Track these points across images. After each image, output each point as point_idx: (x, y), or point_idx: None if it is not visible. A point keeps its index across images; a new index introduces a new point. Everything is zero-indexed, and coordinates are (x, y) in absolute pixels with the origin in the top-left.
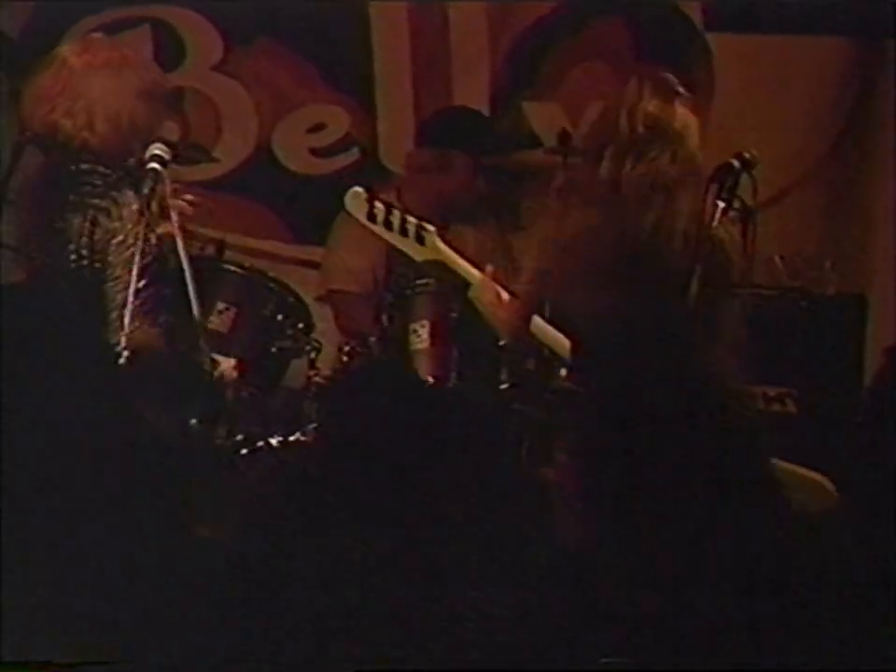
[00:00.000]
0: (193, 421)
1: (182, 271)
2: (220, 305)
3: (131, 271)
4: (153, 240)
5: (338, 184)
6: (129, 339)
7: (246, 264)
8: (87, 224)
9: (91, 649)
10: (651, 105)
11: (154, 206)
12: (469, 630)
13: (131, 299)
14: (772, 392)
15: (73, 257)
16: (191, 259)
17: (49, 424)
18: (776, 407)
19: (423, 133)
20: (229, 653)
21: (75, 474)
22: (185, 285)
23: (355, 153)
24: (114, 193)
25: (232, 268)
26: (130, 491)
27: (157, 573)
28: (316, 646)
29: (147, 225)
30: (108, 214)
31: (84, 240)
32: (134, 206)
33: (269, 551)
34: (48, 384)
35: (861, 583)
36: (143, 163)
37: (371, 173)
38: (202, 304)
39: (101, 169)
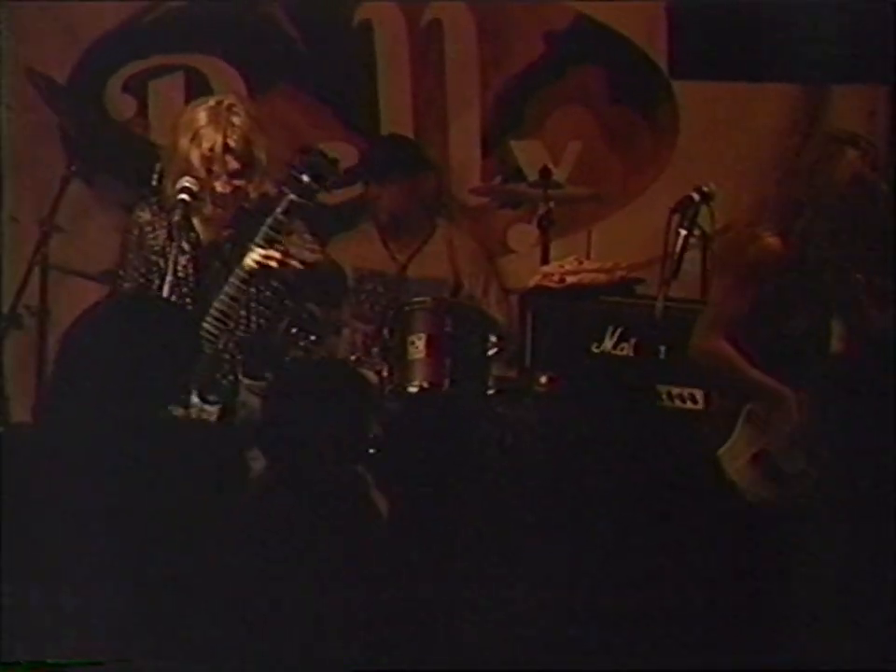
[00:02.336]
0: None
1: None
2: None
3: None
4: (182, 262)
5: (348, 211)
6: None
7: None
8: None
9: (91, 649)
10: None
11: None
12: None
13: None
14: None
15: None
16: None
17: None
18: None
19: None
20: (227, 654)
21: (74, 475)
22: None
23: (361, 186)
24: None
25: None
26: (131, 493)
27: (156, 575)
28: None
29: (179, 248)
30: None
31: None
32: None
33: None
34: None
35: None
36: (175, 194)
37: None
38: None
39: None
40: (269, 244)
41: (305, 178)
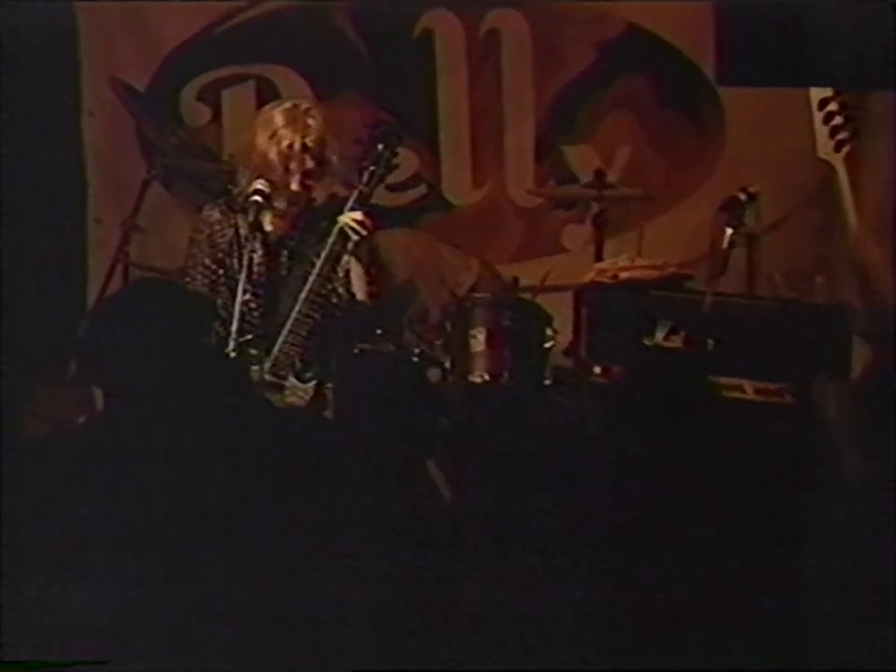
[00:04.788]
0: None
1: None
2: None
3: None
4: (257, 259)
5: (409, 214)
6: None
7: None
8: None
9: (91, 649)
10: None
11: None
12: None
13: (237, 312)
14: (772, 387)
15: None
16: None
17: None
18: (774, 399)
19: None
20: (227, 654)
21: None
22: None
23: (423, 189)
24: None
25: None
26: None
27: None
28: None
29: (253, 244)
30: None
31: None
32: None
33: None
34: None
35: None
36: (247, 196)
37: (436, 205)
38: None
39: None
40: (360, 206)
41: (380, 147)
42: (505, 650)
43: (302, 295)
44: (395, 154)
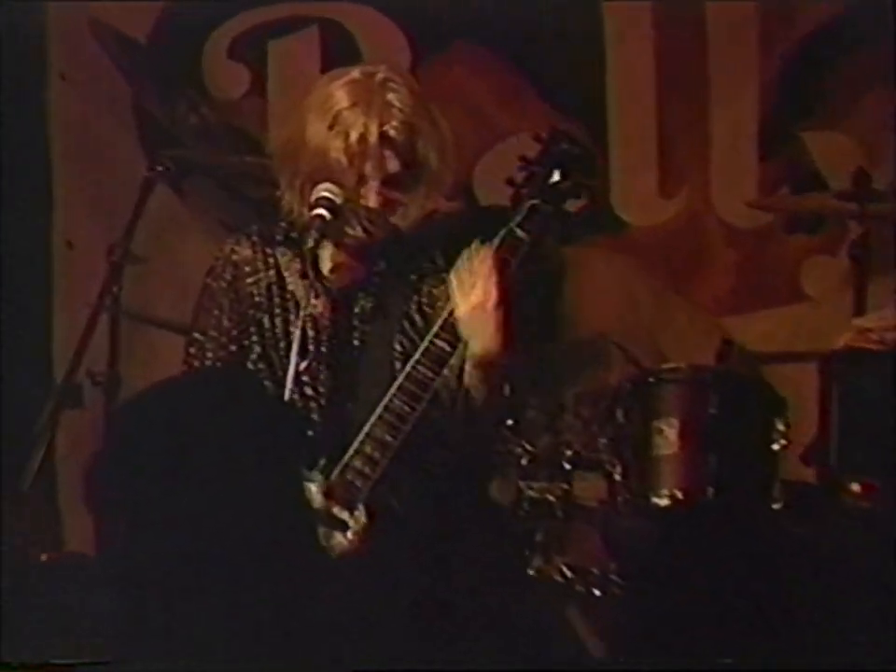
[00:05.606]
0: None
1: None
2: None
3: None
4: (319, 307)
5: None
6: None
7: None
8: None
9: (91, 649)
10: None
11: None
12: None
13: (289, 384)
14: None
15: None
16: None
17: None
18: None
19: None
20: (227, 654)
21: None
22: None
23: (582, 198)
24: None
25: None
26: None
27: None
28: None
29: (312, 288)
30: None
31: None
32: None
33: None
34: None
35: None
36: (310, 208)
37: (601, 223)
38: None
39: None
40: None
41: (556, 176)
42: None
43: (405, 371)
44: (571, 193)
